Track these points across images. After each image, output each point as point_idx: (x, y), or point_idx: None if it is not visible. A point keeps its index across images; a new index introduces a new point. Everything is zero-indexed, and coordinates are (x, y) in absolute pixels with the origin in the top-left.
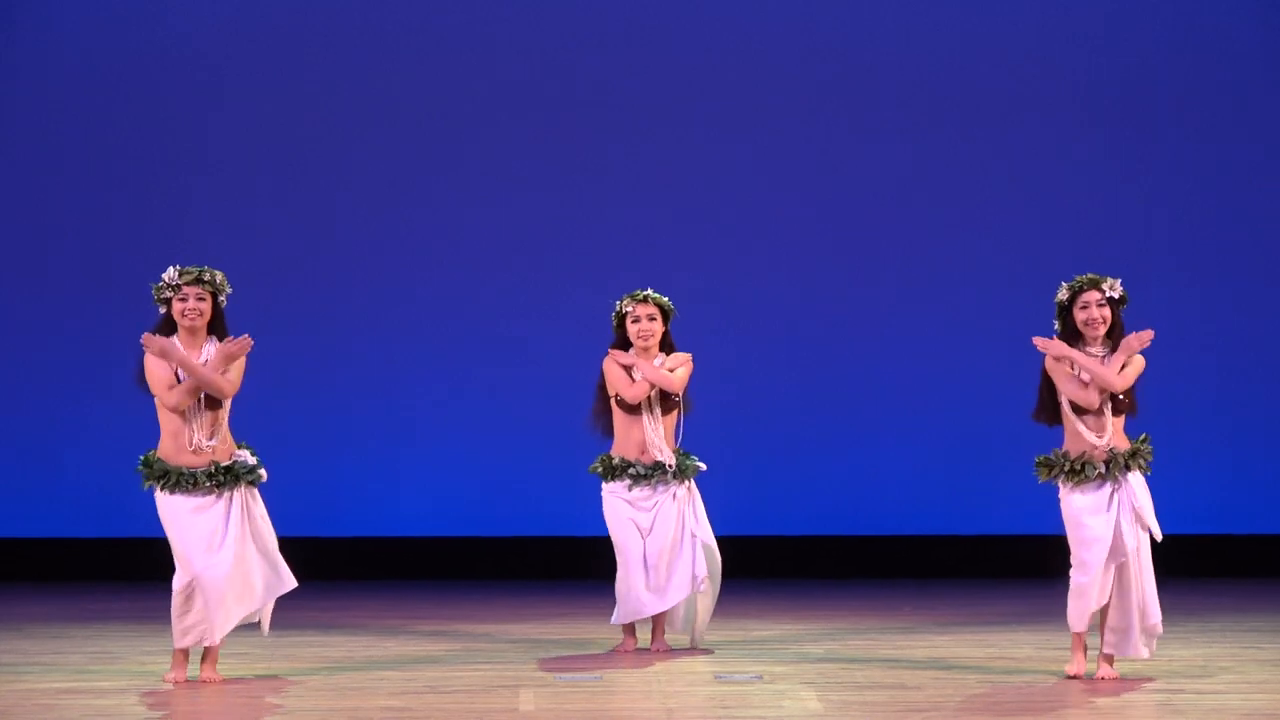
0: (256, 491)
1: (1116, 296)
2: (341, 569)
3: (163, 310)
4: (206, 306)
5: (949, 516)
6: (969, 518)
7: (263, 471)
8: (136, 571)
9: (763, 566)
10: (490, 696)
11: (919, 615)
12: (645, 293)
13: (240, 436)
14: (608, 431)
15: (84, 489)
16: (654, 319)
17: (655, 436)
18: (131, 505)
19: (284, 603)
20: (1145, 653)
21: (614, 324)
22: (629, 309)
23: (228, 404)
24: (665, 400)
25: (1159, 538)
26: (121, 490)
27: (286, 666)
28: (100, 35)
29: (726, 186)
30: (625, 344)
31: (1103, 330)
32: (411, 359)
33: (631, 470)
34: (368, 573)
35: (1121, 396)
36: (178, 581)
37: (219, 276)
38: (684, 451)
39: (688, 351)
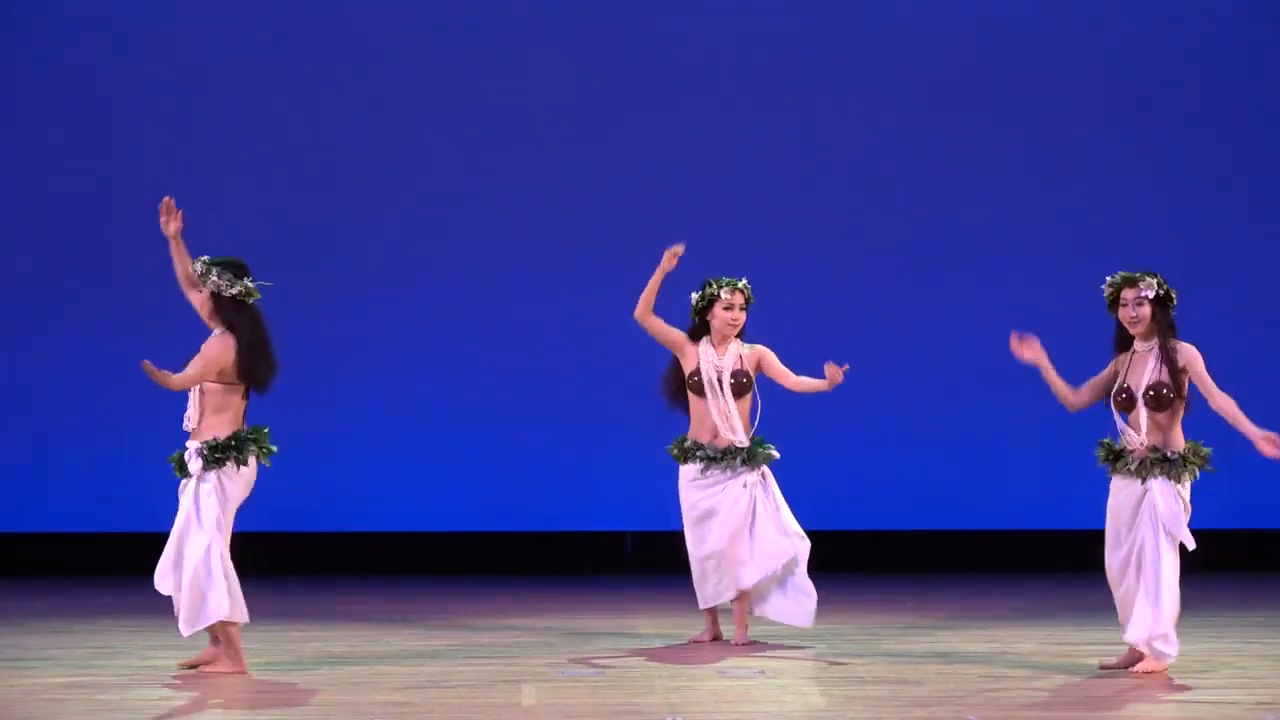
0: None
1: (1152, 295)
2: (344, 563)
3: (236, 296)
4: None
5: (951, 511)
6: (971, 513)
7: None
8: (139, 566)
9: None
10: (492, 691)
11: (921, 610)
12: (740, 281)
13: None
14: (684, 413)
15: (86, 483)
16: (743, 309)
17: (725, 420)
18: (133, 499)
19: (287, 597)
20: (1147, 654)
21: (695, 305)
22: (723, 294)
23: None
24: (738, 384)
25: (1190, 546)
26: (124, 484)
27: (289, 661)
28: (99, 32)
29: (733, 182)
30: (704, 327)
31: (1141, 329)
32: (413, 354)
33: (702, 453)
34: (370, 567)
35: (1167, 392)
36: (224, 555)
37: None
38: (760, 438)
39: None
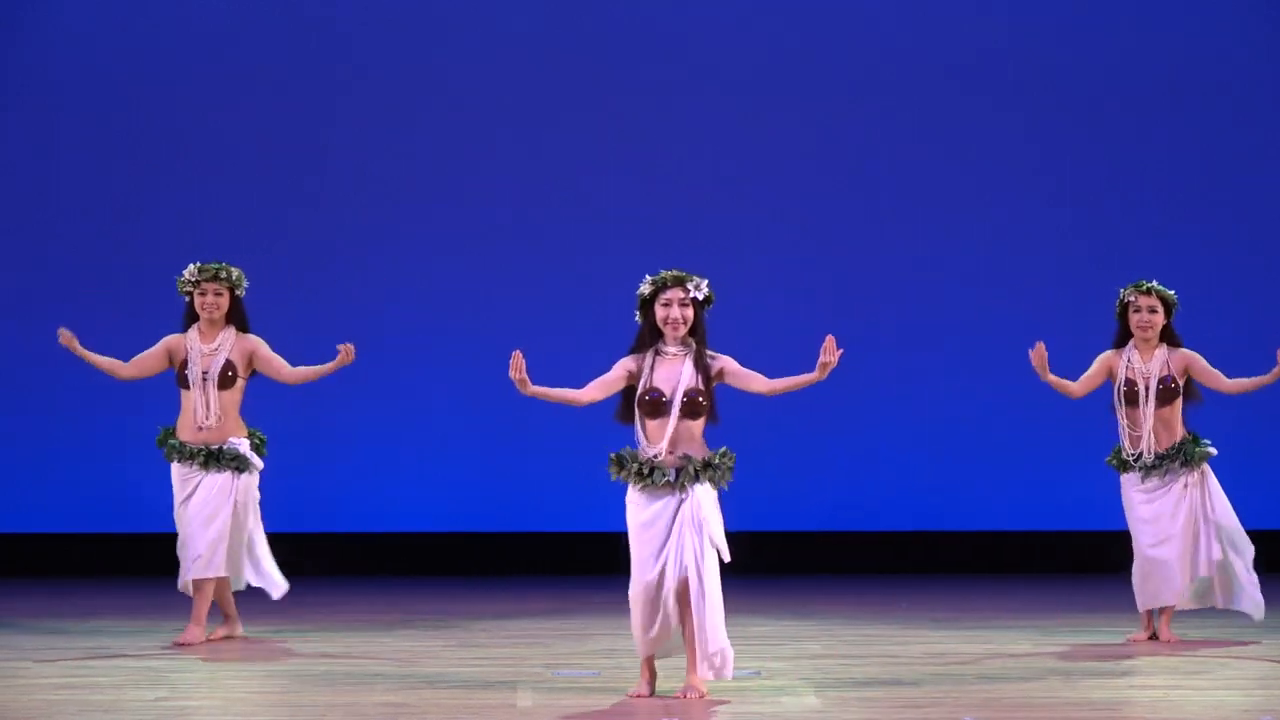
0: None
1: (700, 297)
2: (339, 564)
3: (187, 301)
4: (224, 300)
5: (945, 512)
6: (966, 513)
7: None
8: (133, 566)
9: (761, 562)
10: (488, 693)
11: (916, 611)
12: (1150, 284)
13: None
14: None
15: (79, 483)
16: (1155, 311)
17: (1141, 427)
18: (126, 500)
19: (282, 598)
20: (709, 674)
21: (1117, 311)
22: (1131, 299)
23: (234, 390)
24: (1164, 390)
25: (726, 558)
26: (117, 484)
27: (283, 661)
28: (100, 30)
29: (732, 179)
30: (1126, 334)
31: (683, 330)
32: (407, 354)
33: (1137, 460)
34: (365, 568)
35: (701, 399)
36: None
37: (235, 273)
38: (1195, 437)
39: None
